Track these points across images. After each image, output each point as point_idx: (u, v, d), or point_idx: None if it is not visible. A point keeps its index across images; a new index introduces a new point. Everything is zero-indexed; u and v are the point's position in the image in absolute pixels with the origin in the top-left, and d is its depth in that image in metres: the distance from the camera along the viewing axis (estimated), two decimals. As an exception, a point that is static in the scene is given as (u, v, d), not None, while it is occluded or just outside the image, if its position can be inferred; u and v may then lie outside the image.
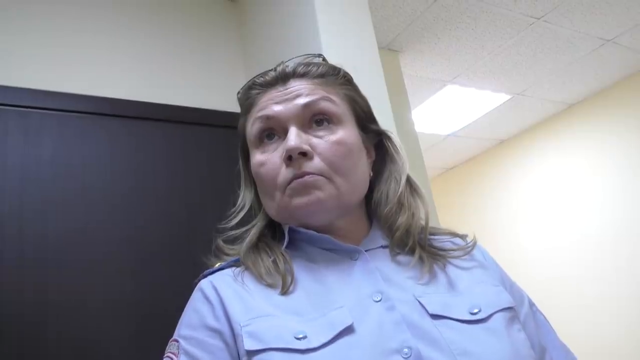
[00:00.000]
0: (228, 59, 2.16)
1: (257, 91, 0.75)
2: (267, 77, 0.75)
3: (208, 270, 0.73)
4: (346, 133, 0.71)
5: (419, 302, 0.64)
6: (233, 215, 0.78)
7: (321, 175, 0.68)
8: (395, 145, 0.79)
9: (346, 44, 1.71)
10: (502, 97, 3.74)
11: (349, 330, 0.59)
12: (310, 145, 0.69)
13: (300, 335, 0.58)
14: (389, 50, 2.85)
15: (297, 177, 0.67)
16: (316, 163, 0.68)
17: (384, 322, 0.61)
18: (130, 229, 1.68)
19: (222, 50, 2.16)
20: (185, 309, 0.69)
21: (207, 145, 1.93)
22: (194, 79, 2.03)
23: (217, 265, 0.73)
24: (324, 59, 0.80)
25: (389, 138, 0.80)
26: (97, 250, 1.60)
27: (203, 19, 2.16)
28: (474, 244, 0.76)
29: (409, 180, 0.77)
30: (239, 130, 0.79)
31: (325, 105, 0.71)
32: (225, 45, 2.18)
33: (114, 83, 1.84)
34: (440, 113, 3.81)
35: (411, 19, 2.61)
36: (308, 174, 0.67)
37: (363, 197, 0.75)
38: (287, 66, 0.75)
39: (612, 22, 2.91)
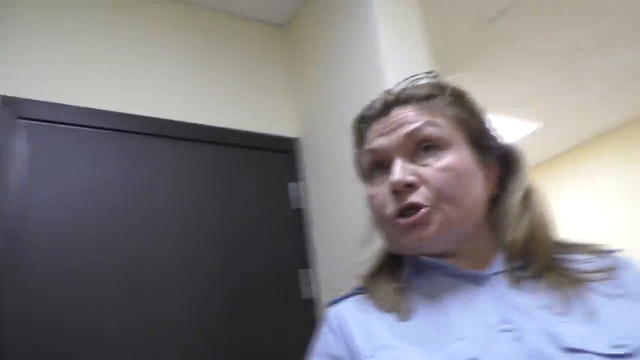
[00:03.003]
0: (278, 84, 2.22)
1: (365, 124, 0.75)
2: (371, 110, 0.74)
3: (335, 298, 0.74)
4: (454, 157, 0.67)
5: (552, 333, 0.57)
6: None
7: (428, 206, 0.65)
8: (519, 160, 0.74)
9: (404, 68, 1.72)
10: (532, 127, 3.76)
11: None
12: (417, 174, 0.66)
13: None
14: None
15: (403, 209, 0.66)
16: (423, 193, 0.65)
17: (512, 356, 0.56)
18: (184, 250, 1.71)
19: (272, 75, 2.23)
20: (316, 336, 0.72)
21: (258, 168, 1.99)
22: (247, 104, 2.10)
23: (343, 293, 0.75)
24: (435, 76, 0.77)
25: (511, 152, 0.74)
26: (153, 270, 1.64)
27: (253, 46, 2.24)
28: (620, 265, 0.66)
29: (535, 195, 0.72)
30: (356, 162, 0.79)
31: (429, 131, 0.68)
32: (275, 71, 2.25)
33: (173, 106, 1.91)
34: (469, 141, 3.81)
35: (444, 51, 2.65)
36: (414, 206, 0.65)
37: (480, 220, 0.70)
38: (391, 94, 0.73)
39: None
